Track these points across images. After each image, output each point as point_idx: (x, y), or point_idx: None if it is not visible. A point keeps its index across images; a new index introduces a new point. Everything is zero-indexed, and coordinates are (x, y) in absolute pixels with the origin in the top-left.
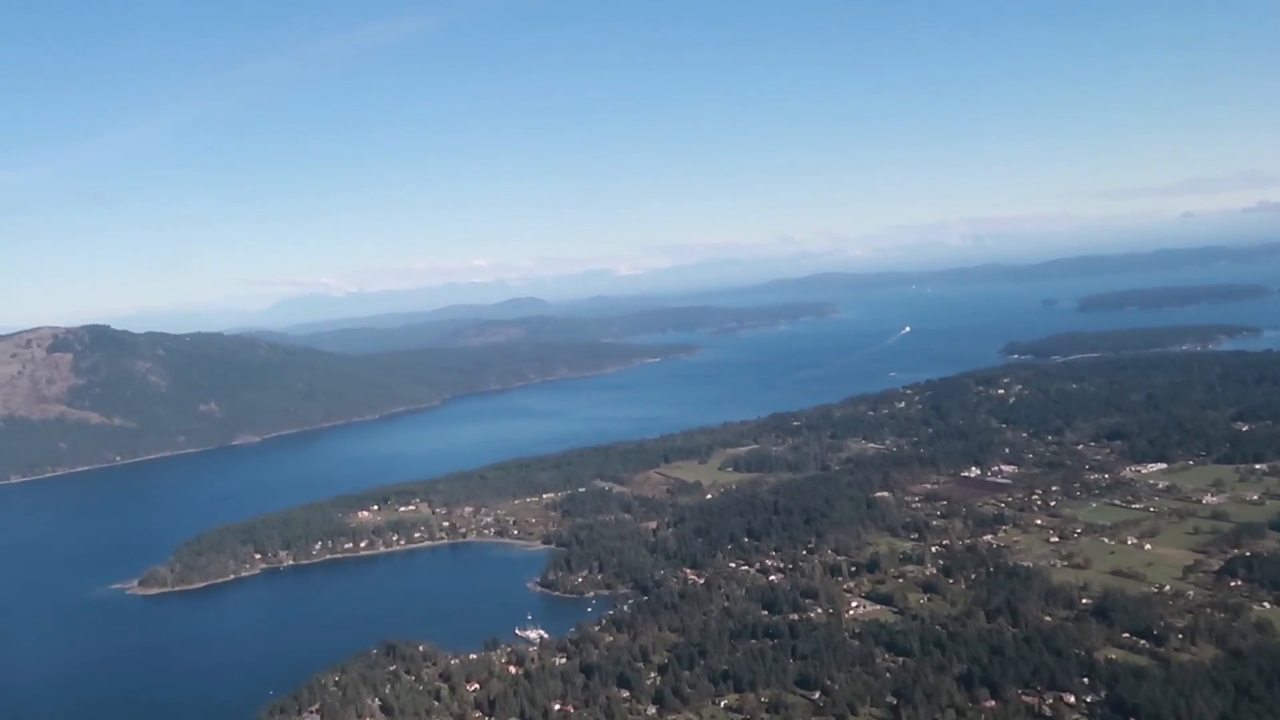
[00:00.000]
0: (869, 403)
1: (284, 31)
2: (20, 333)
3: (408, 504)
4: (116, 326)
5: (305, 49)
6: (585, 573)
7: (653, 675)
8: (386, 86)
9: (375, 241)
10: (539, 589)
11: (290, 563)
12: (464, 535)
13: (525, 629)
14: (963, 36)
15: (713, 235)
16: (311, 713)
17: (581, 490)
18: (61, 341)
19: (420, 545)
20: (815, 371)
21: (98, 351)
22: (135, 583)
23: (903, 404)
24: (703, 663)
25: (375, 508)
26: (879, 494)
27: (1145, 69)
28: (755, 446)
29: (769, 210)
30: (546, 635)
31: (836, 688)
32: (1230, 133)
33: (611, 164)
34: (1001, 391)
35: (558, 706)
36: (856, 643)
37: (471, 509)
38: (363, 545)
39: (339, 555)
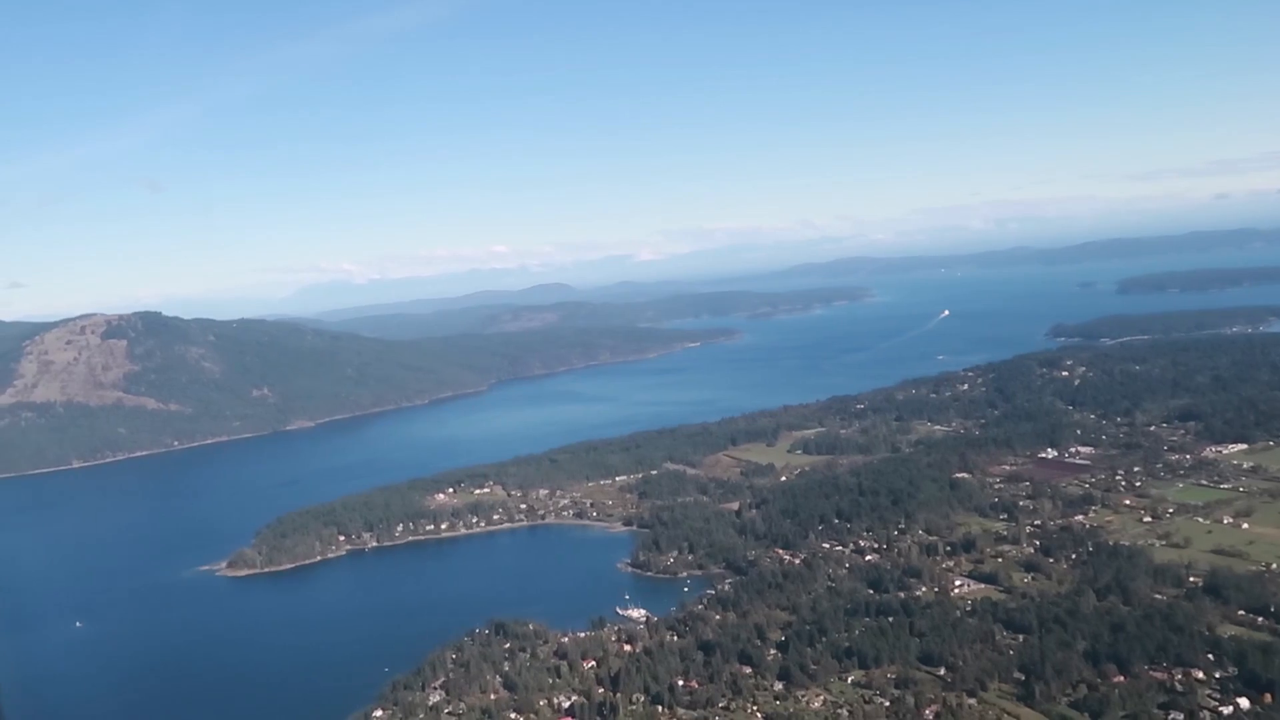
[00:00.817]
0: (930, 385)
1: (302, 18)
2: (73, 319)
3: (482, 486)
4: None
5: (324, 34)
6: (675, 553)
7: (773, 652)
8: (407, 72)
9: (396, 228)
10: (630, 569)
11: (374, 544)
12: (542, 517)
13: (626, 608)
14: (984, 17)
15: (734, 221)
16: (435, 689)
17: (653, 473)
18: (115, 328)
19: (499, 527)
20: (861, 355)
21: (151, 338)
22: (223, 564)
23: (965, 386)
24: (824, 640)
25: (451, 490)
26: (958, 475)
27: (1169, 49)
28: (821, 429)
29: (790, 195)
30: (649, 614)
31: (962, 664)
32: (1257, 114)
33: (632, 149)
34: (1065, 373)
35: (681, 682)
36: (974, 620)
37: (546, 491)
38: (443, 527)
39: (421, 537)
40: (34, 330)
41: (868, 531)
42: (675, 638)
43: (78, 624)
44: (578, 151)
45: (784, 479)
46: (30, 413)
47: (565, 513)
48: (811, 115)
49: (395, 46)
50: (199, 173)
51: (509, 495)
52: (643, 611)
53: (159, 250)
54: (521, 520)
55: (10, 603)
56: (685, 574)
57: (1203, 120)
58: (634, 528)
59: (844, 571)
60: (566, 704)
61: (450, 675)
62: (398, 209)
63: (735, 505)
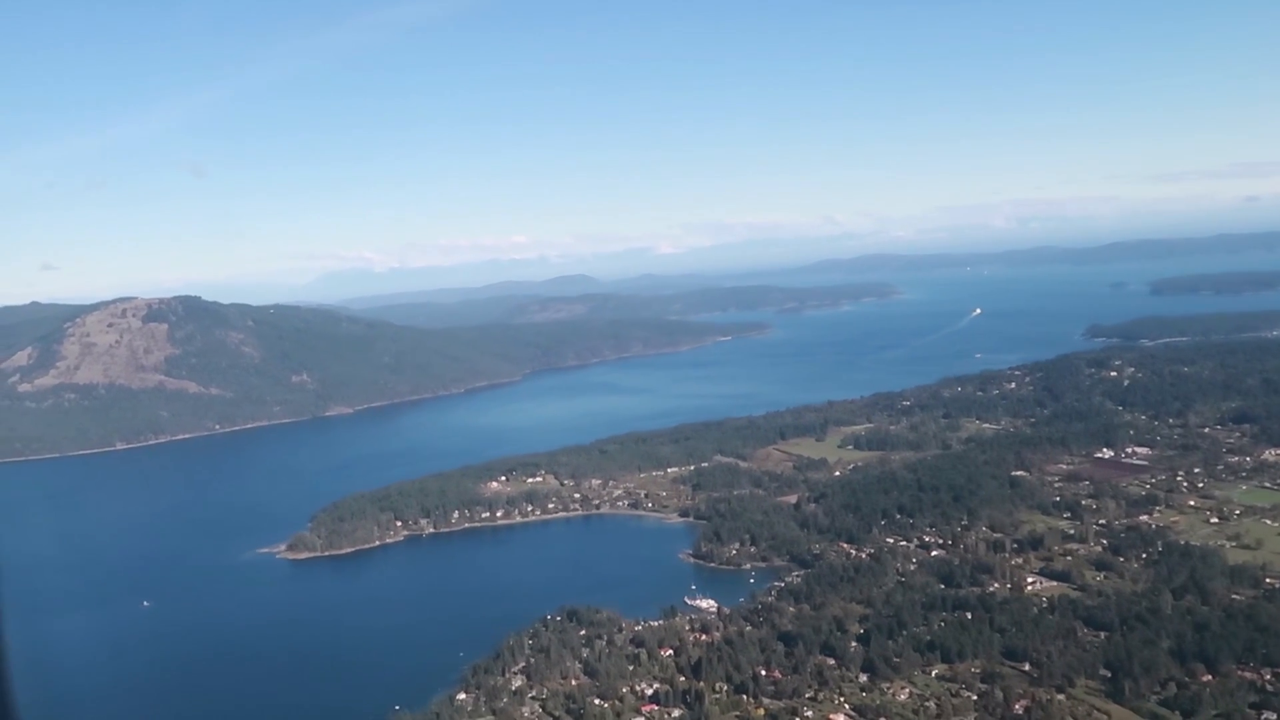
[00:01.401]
0: (975, 383)
1: (327, 6)
2: (113, 302)
3: (534, 475)
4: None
5: (349, 23)
6: (737, 545)
7: (853, 645)
8: (430, 61)
9: (417, 217)
10: (692, 560)
11: (431, 530)
12: (597, 507)
13: (695, 598)
14: (1008, 15)
15: (754, 215)
16: (515, 673)
17: (704, 465)
18: (156, 312)
19: (554, 516)
20: (896, 352)
21: (191, 322)
22: (282, 547)
23: (1013, 385)
24: (904, 633)
25: (503, 479)
26: (1016, 473)
27: (1195, 49)
28: (870, 425)
29: (811, 191)
30: (719, 604)
31: (1047, 659)
32: None
33: (653, 142)
34: (1114, 374)
35: (763, 672)
36: (1054, 616)
37: (599, 481)
38: (499, 515)
39: (477, 524)
40: (73, 312)
41: (931, 527)
42: (750, 628)
43: (145, 603)
44: (598, 143)
45: (837, 474)
46: (73, 394)
47: (619, 503)
48: (833, 111)
49: (418, 36)
50: (221, 159)
51: (562, 484)
52: (711, 602)
53: (181, 235)
54: (576, 509)
55: (75, 581)
56: (749, 566)
57: (1228, 122)
58: (690, 519)
59: (913, 566)
60: (649, 691)
61: (530, 660)
62: (418, 198)
63: (793, 499)
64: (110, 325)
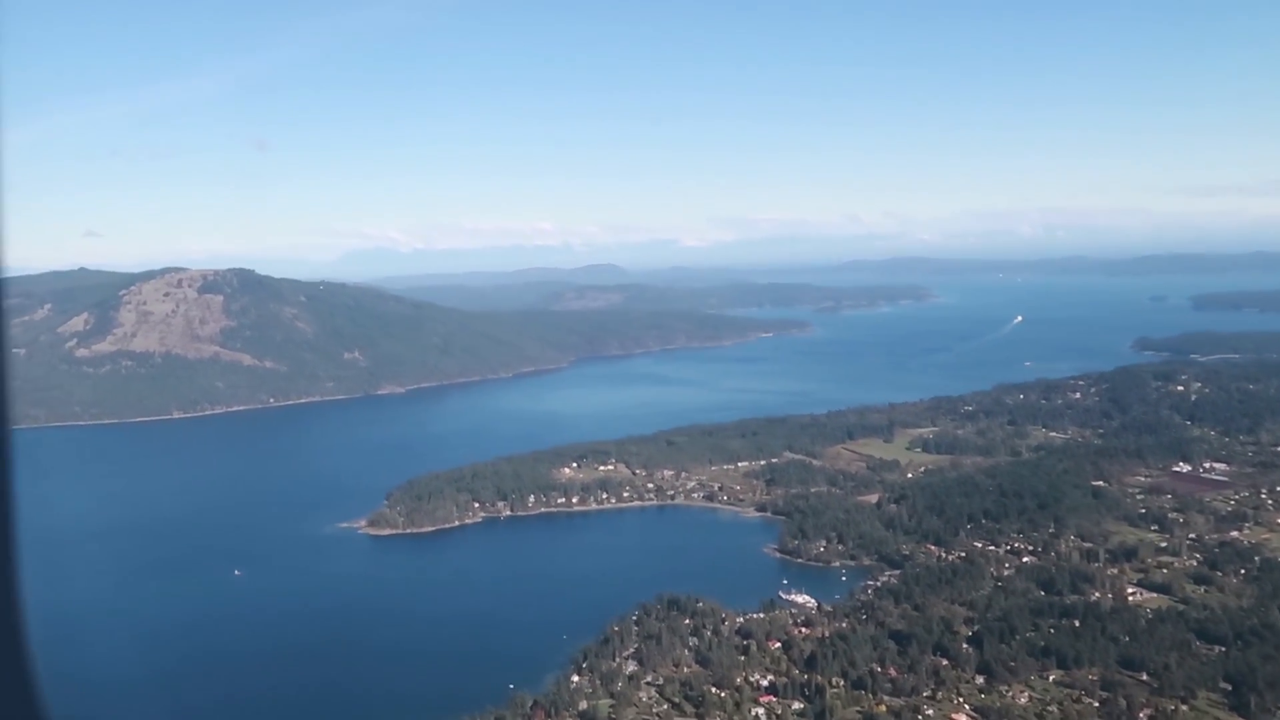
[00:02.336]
0: (1038, 391)
1: None
2: (168, 271)
3: (605, 463)
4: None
5: (380, 2)
6: (824, 542)
7: (965, 646)
8: (462, 44)
9: (443, 198)
10: (778, 555)
11: (508, 513)
12: (671, 498)
13: (789, 593)
14: (1043, 23)
15: (779, 211)
16: (626, 658)
17: (775, 461)
18: (211, 283)
19: (629, 505)
20: (943, 356)
21: (246, 295)
22: (363, 522)
23: (1077, 394)
24: (1016, 637)
25: (575, 465)
26: (1095, 483)
27: (1230, 64)
28: (934, 428)
29: (837, 189)
30: (814, 600)
31: (1166, 670)
32: None
33: (680, 135)
34: (1180, 388)
35: (878, 669)
36: (1166, 627)
37: (671, 472)
38: (574, 501)
39: (553, 509)
40: (121, 280)
41: (1019, 533)
42: (857, 626)
43: (236, 572)
44: (626, 134)
45: (909, 476)
46: (130, 361)
47: (694, 494)
48: (862, 111)
49: (452, 17)
50: (249, 134)
51: (634, 474)
52: (808, 597)
53: (210, 207)
54: (651, 499)
55: (164, 548)
56: (838, 563)
57: (1260, 138)
58: (768, 514)
59: (1007, 571)
60: (764, 683)
61: (640, 646)
62: (445, 180)
63: (871, 498)
64: (166, 295)
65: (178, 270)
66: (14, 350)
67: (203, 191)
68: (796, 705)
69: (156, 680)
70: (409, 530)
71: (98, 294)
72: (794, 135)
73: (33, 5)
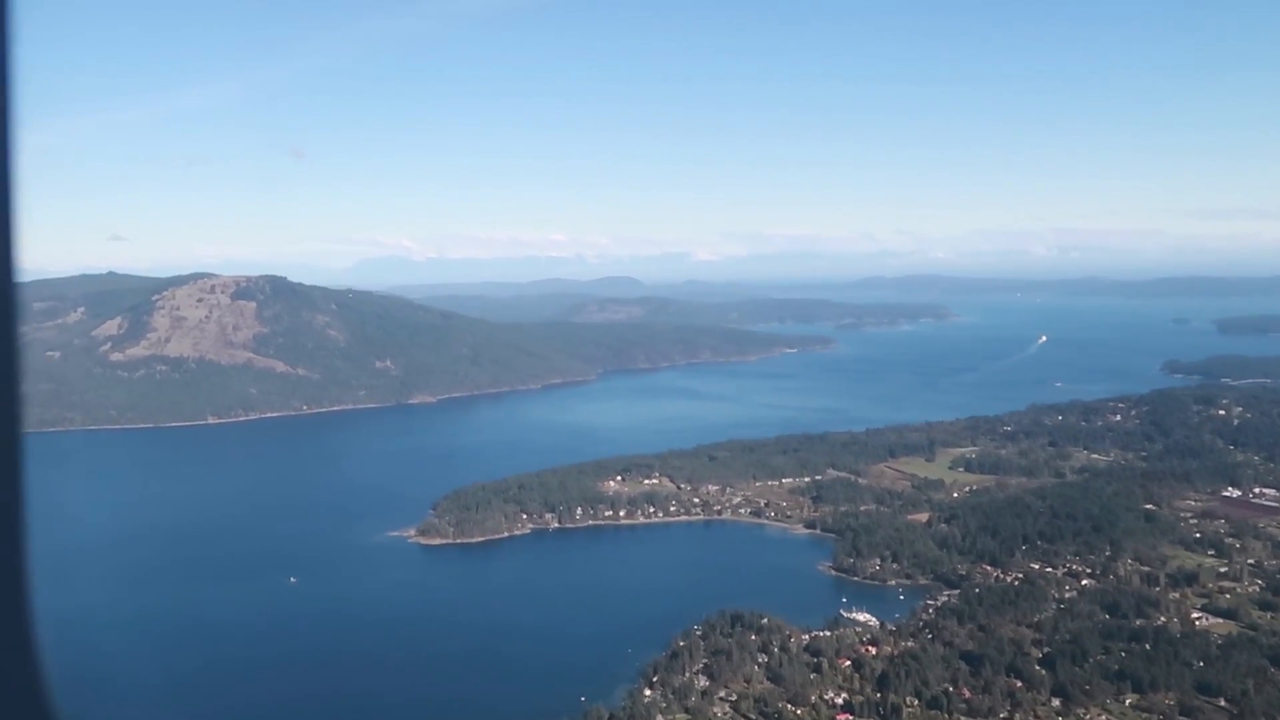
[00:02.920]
0: (1076, 413)
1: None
2: (198, 277)
3: (649, 477)
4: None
5: (397, 13)
6: (878, 560)
7: (1037, 668)
8: (476, 54)
9: (457, 208)
10: (833, 572)
11: (555, 525)
12: (718, 513)
13: (850, 611)
14: (1056, 42)
15: (792, 227)
16: (696, 673)
17: (819, 478)
18: (243, 290)
19: (675, 519)
20: (971, 376)
21: (279, 302)
22: (412, 531)
23: (1117, 417)
24: (1088, 661)
25: (619, 478)
26: (1145, 506)
27: (1246, 86)
28: (974, 448)
29: (850, 206)
30: (876, 619)
31: (1244, 696)
32: None
33: (693, 148)
34: (1222, 412)
35: (950, 689)
36: (1240, 653)
37: (716, 487)
38: (622, 514)
39: (600, 522)
40: (151, 285)
41: (1075, 555)
42: (924, 645)
43: (291, 579)
44: (639, 146)
45: (955, 495)
46: (164, 366)
47: (740, 510)
48: (877, 127)
49: (467, 29)
50: (265, 141)
51: (678, 488)
52: (868, 615)
53: (226, 213)
54: (697, 514)
55: (216, 553)
56: (894, 582)
57: (1276, 162)
58: (817, 531)
59: (1068, 594)
60: (838, 701)
61: (709, 661)
62: (459, 189)
63: (920, 517)
64: (199, 300)
65: (209, 276)
66: (48, 353)
67: (221, 198)
68: None
69: (223, 684)
70: (459, 540)
71: (130, 298)
72: (808, 151)
73: (57, 10)
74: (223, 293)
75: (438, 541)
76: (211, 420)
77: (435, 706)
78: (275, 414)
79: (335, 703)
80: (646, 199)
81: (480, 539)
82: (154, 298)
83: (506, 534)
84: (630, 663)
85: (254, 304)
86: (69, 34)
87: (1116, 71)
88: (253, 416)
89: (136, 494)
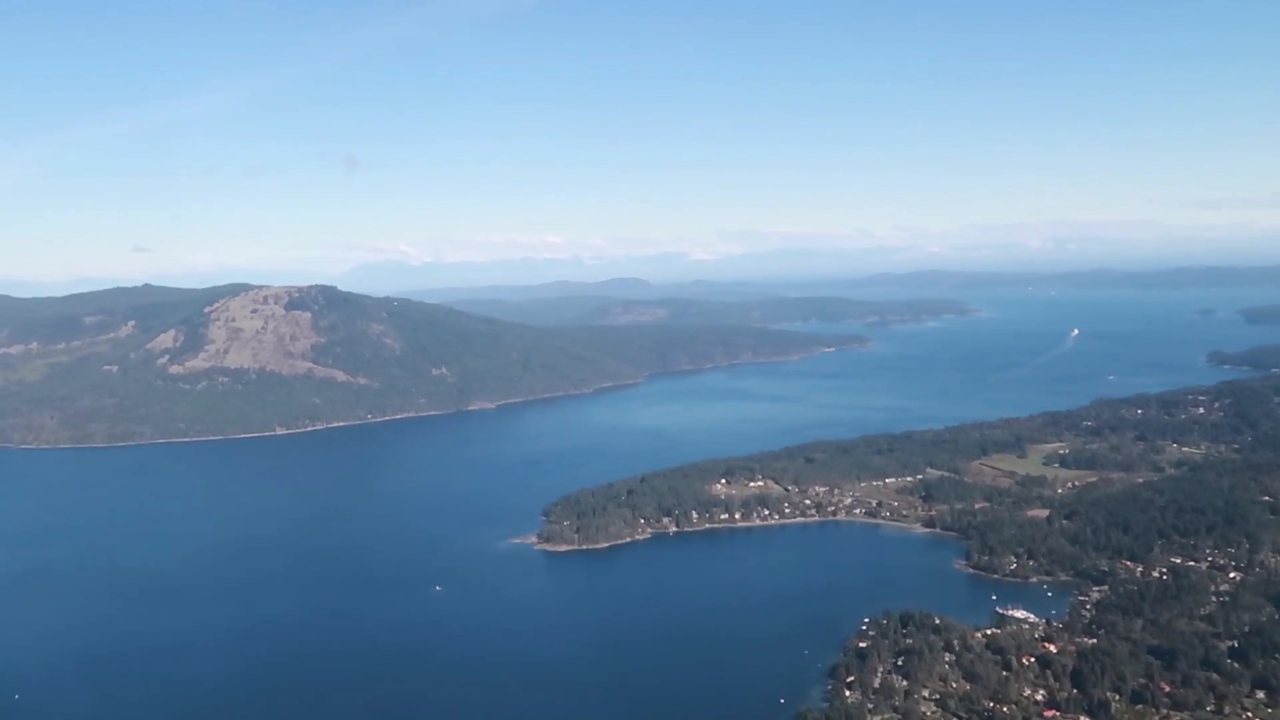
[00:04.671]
0: (1156, 406)
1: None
2: (256, 288)
3: (754, 479)
4: (315, 284)
5: (392, 19)
6: (1013, 558)
7: (1229, 661)
8: (469, 59)
9: (452, 212)
10: (969, 570)
11: (674, 529)
12: (832, 514)
13: (1005, 608)
14: (1047, 37)
15: (788, 225)
16: (889, 673)
17: (921, 477)
18: (296, 300)
19: (790, 521)
20: (1019, 371)
21: (333, 312)
22: (533, 538)
23: (1200, 410)
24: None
25: (724, 481)
26: (1263, 499)
27: (1237, 77)
28: (1060, 444)
29: (847, 203)
30: (1033, 616)
31: None
32: None
33: (688, 148)
34: None
35: (1147, 683)
36: None
37: (824, 489)
38: (737, 517)
39: (717, 525)
40: (188, 296)
41: (1213, 549)
42: (1113, 642)
43: (437, 588)
44: (635, 148)
45: (1059, 491)
46: (225, 378)
47: (854, 511)
48: (872, 124)
49: (461, 35)
50: (263, 148)
51: (785, 490)
52: (1026, 613)
53: (222, 222)
54: (812, 515)
55: (356, 564)
56: (1035, 579)
57: (1270, 150)
58: (936, 530)
59: (1225, 587)
60: (1038, 698)
61: (900, 661)
62: (455, 194)
63: (1037, 514)
64: (254, 311)
65: (263, 288)
66: (105, 367)
67: (213, 209)
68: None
69: (435, 690)
70: (584, 546)
71: (180, 310)
72: (802, 149)
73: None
74: (276, 303)
75: (563, 548)
76: (279, 431)
77: (636, 706)
78: (341, 423)
79: (540, 709)
80: (642, 200)
81: (605, 545)
82: (205, 310)
83: (629, 539)
84: (811, 664)
85: (309, 314)
86: (47, 58)
87: (1109, 64)
88: (319, 426)
89: (252, 506)
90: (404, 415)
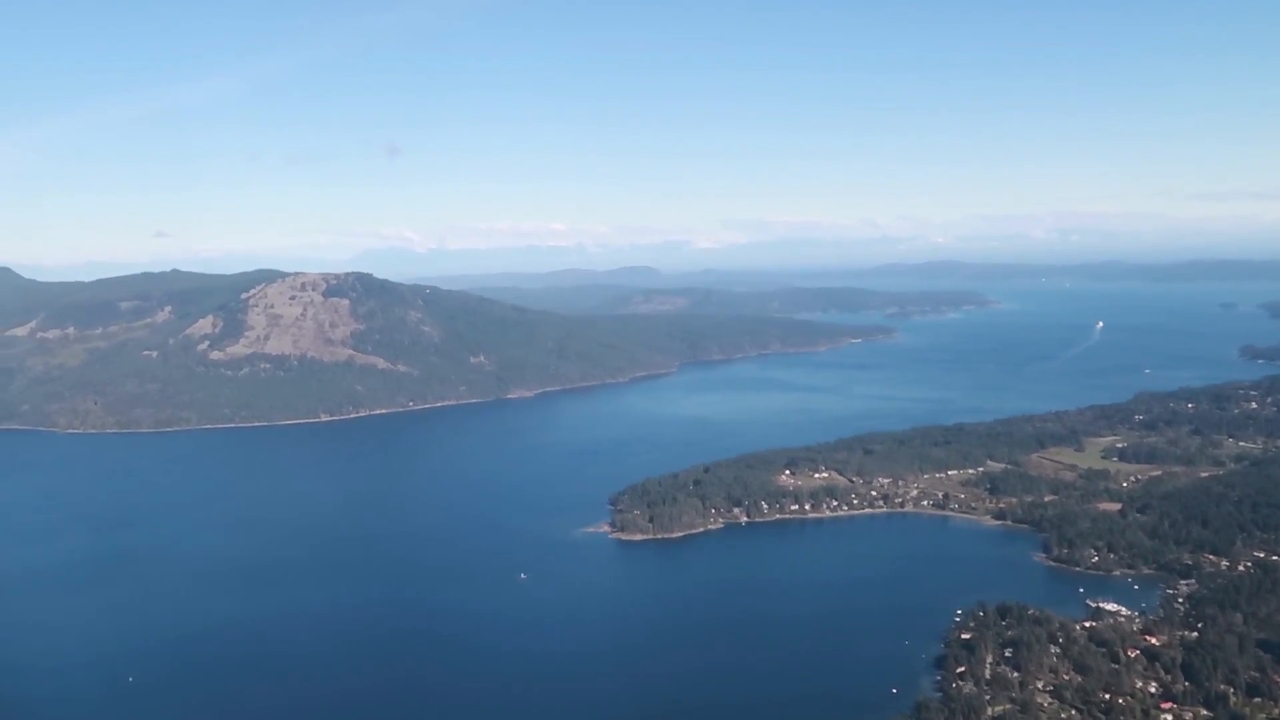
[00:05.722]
0: (1208, 400)
1: None
2: (290, 275)
3: (817, 470)
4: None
5: (392, 5)
6: (1092, 551)
7: None
8: (474, 46)
9: (457, 199)
10: (1049, 563)
11: (744, 520)
12: (900, 505)
13: (1096, 601)
14: (1052, 27)
15: (792, 214)
16: (997, 664)
17: (982, 470)
18: (334, 287)
19: (859, 512)
20: (1051, 363)
21: (371, 299)
22: (605, 526)
23: (1253, 404)
24: None
25: (788, 472)
26: None
27: (1242, 68)
28: (1116, 437)
29: (851, 192)
30: (1124, 609)
31: None
32: None
33: (692, 137)
34: None
35: (1257, 675)
36: None
37: (889, 480)
38: (807, 507)
39: (787, 516)
40: (216, 282)
41: None
42: (1221, 635)
43: (521, 576)
44: (639, 136)
45: (1124, 484)
46: (267, 364)
47: (922, 503)
48: (876, 114)
49: (466, 22)
50: (266, 133)
51: (850, 481)
52: (1117, 605)
53: (230, 206)
54: (880, 507)
55: (439, 552)
56: (1118, 572)
57: (1274, 143)
58: (1007, 522)
59: None
60: (1150, 690)
61: (1007, 652)
62: (459, 181)
63: (1108, 507)
64: (292, 298)
65: (299, 274)
66: (145, 352)
67: (218, 194)
68: (1204, 712)
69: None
70: (659, 536)
71: (215, 296)
72: (808, 139)
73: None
74: (314, 290)
75: (638, 537)
76: (324, 418)
77: (750, 692)
78: (383, 410)
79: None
80: (646, 187)
81: (679, 534)
82: (242, 296)
83: (702, 529)
84: (914, 654)
85: (347, 301)
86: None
87: (1113, 55)
88: (362, 413)
89: (318, 492)
90: (444, 403)
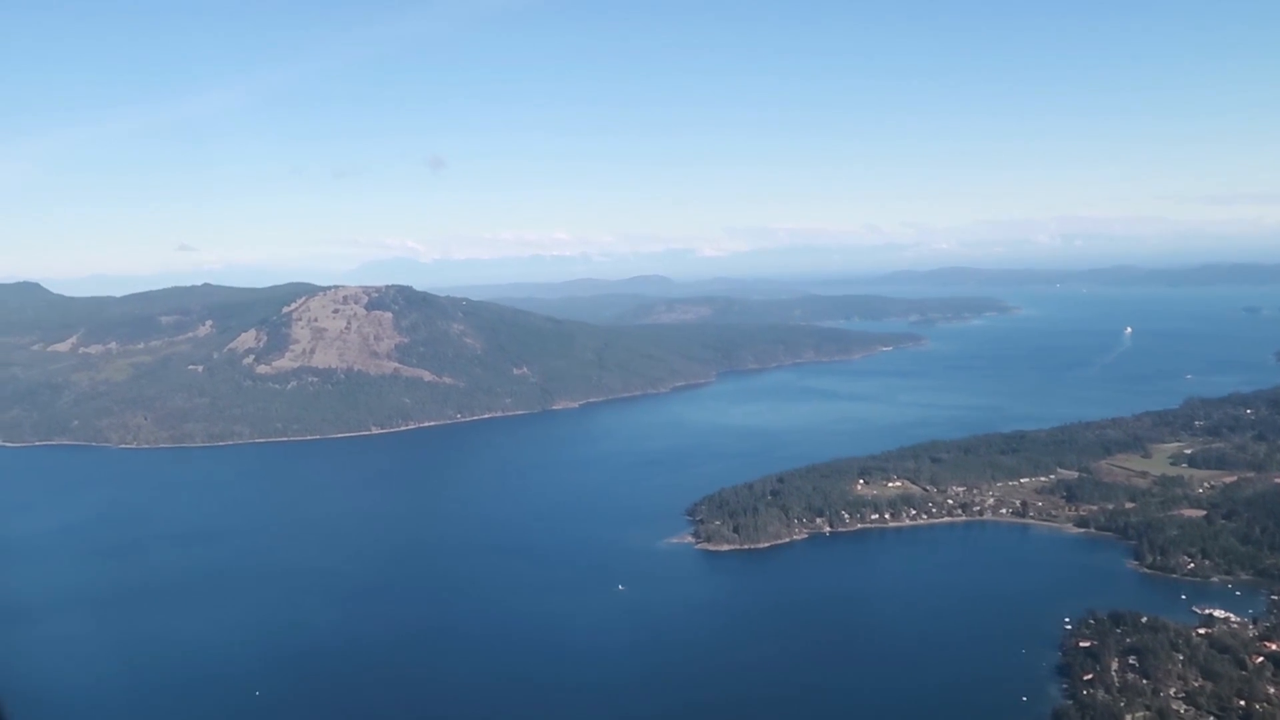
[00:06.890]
0: (1267, 405)
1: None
2: (333, 288)
3: (890, 479)
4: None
5: (403, 15)
6: (1186, 558)
7: None
8: (475, 56)
9: (460, 209)
10: (1144, 570)
11: (827, 530)
12: (979, 514)
13: (1203, 608)
14: (1055, 33)
15: (796, 221)
16: (1125, 672)
17: (1053, 476)
18: (376, 300)
19: (938, 521)
20: (1088, 370)
21: (414, 312)
22: (689, 537)
23: None
24: None
25: (862, 481)
26: None
27: (1246, 71)
28: (1179, 443)
29: (854, 199)
30: (1234, 615)
31: None
32: None
33: (696, 145)
34: None
35: None
36: None
37: (963, 489)
38: (887, 517)
39: (869, 525)
40: (273, 296)
41: None
42: None
43: (620, 587)
44: (642, 145)
45: (1201, 490)
46: (314, 378)
47: (1001, 511)
48: (879, 120)
49: (470, 32)
50: (278, 142)
51: (924, 490)
52: (1226, 612)
53: (241, 219)
54: (958, 515)
55: (535, 566)
56: (1216, 579)
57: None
58: (1090, 530)
59: None
60: None
61: (1132, 659)
62: (463, 190)
63: (1193, 513)
64: (335, 311)
65: (340, 287)
66: (190, 366)
67: (221, 204)
68: None
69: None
70: (745, 546)
71: (256, 310)
72: (810, 146)
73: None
74: (356, 304)
75: (724, 548)
76: (374, 430)
77: (868, 700)
78: (432, 423)
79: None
80: (650, 197)
81: (765, 544)
82: (284, 310)
83: (787, 539)
84: (1033, 663)
85: (390, 314)
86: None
87: (1117, 60)
88: (412, 426)
89: (394, 506)
90: (491, 415)
